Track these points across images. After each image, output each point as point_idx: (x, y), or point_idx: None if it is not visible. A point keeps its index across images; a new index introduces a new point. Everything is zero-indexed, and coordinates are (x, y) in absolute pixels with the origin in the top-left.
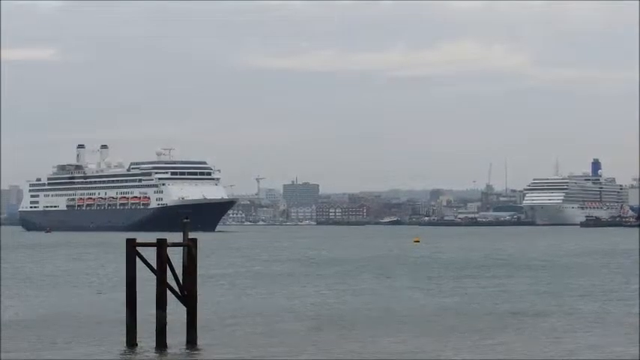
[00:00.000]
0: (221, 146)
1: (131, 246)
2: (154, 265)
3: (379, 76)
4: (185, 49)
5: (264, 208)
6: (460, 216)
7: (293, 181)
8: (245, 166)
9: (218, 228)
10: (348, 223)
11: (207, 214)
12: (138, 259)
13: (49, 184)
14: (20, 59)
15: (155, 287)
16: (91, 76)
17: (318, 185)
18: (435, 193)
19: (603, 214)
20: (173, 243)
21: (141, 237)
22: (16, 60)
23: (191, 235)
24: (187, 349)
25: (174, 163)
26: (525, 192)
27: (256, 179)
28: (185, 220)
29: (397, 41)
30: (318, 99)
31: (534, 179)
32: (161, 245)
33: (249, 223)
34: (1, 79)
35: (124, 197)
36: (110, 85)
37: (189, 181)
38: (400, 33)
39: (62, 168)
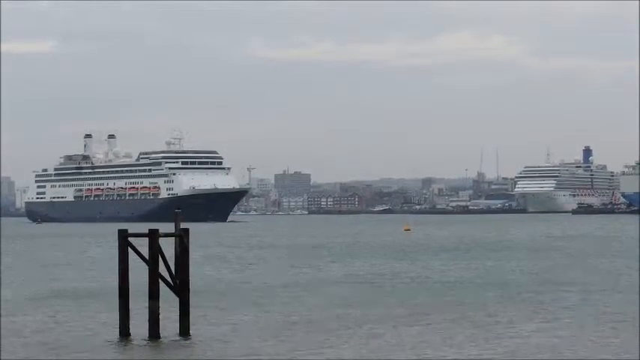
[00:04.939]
0: (213, 137)
1: (123, 237)
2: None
3: (376, 67)
4: (185, 42)
5: (256, 198)
6: (452, 204)
7: (284, 171)
8: (236, 156)
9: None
10: (340, 212)
11: (219, 204)
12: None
13: (55, 174)
14: (20, 52)
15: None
16: (91, 68)
17: (309, 175)
18: (427, 182)
19: (595, 201)
20: (165, 233)
21: (147, 228)
22: (16, 53)
23: (203, 225)
24: (180, 338)
25: (185, 152)
26: (517, 180)
27: (247, 169)
28: (177, 211)
29: (396, 32)
30: (311, 89)
31: (526, 167)
32: (153, 235)
33: (240, 213)
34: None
35: (134, 187)
36: (110, 77)
37: (200, 170)
38: (399, 24)
39: (69, 158)
